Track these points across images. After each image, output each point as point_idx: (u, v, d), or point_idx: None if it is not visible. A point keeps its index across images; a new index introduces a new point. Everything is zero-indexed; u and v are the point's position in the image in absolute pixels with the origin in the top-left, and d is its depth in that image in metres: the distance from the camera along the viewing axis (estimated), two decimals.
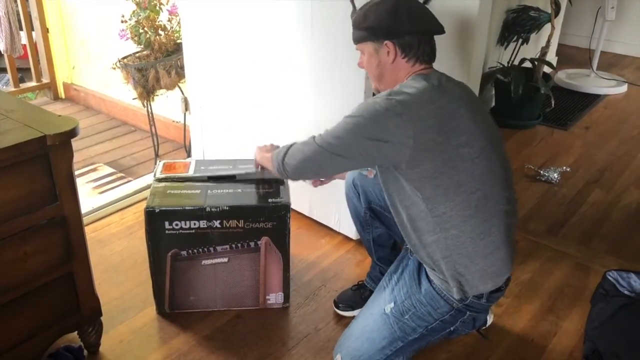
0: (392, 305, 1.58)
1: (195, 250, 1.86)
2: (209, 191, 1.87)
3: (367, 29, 1.48)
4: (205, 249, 1.86)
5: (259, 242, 1.87)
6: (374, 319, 1.61)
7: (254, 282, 1.94)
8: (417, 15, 1.48)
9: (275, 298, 1.98)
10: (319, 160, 1.49)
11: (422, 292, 1.55)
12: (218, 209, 1.79)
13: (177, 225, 1.81)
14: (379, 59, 1.49)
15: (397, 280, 1.63)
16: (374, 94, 1.61)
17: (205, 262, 1.88)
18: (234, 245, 1.87)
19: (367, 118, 1.41)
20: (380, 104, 1.40)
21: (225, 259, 1.89)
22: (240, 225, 1.83)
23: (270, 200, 1.84)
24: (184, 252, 1.86)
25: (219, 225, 1.82)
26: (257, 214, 1.81)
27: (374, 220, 1.86)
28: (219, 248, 1.87)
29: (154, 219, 1.79)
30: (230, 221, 1.82)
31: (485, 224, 1.47)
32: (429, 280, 1.55)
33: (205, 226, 1.82)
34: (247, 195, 1.86)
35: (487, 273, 1.50)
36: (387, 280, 1.67)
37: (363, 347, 1.59)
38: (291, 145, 1.57)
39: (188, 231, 1.82)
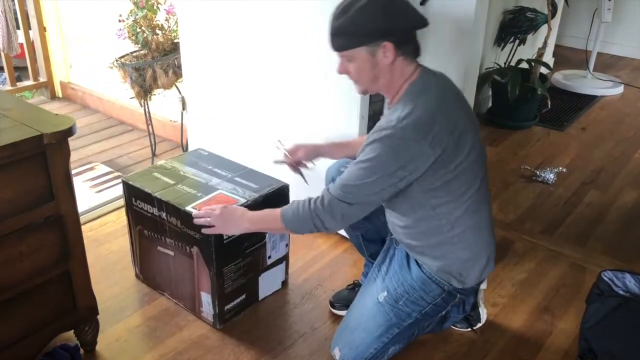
0: (385, 293, 1.61)
1: (152, 234, 1.91)
2: (178, 185, 1.88)
3: (359, 33, 1.41)
4: (158, 236, 1.90)
5: (192, 250, 1.82)
6: (368, 309, 1.63)
7: (191, 287, 1.90)
8: (406, 10, 1.43)
9: (207, 314, 1.90)
10: (354, 214, 1.49)
11: (414, 277, 1.59)
12: (160, 200, 1.81)
13: (139, 204, 1.88)
14: (375, 61, 1.43)
15: (386, 269, 1.66)
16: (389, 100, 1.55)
17: (159, 248, 1.92)
18: (177, 243, 1.85)
19: (388, 156, 1.39)
20: (394, 136, 1.38)
21: (172, 253, 1.90)
22: (178, 226, 1.80)
23: None
24: (146, 232, 1.93)
25: (164, 217, 1.83)
26: (187, 220, 1.75)
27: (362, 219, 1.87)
28: (167, 240, 1.87)
29: (125, 191, 1.93)
30: (171, 217, 1.81)
31: (483, 217, 1.56)
32: (419, 266, 1.58)
33: (157, 214, 1.85)
34: (194, 199, 1.81)
35: (487, 262, 1.59)
36: (377, 272, 1.69)
37: (360, 337, 1.61)
38: (309, 205, 1.49)
39: (146, 213, 1.88)
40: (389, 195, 1.46)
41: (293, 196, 1.85)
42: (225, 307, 1.88)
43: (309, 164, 1.87)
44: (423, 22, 1.45)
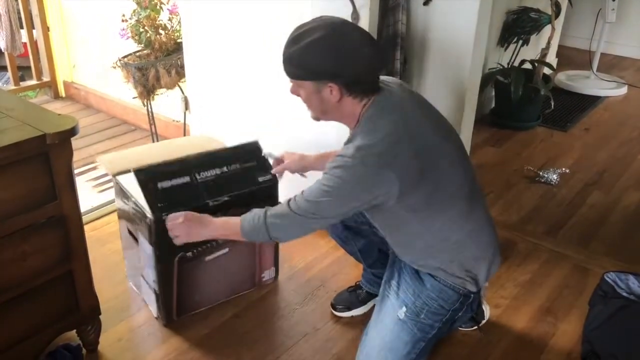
0: (404, 309, 1.57)
1: (199, 248, 1.85)
2: (199, 178, 1.80)
3: (306, 68, 1.36)
4: (208, 245, 1.86)
5: None
6: (390, 329, 1.58)
7: (252, 263, 2.01)
8: (358, 53, 1.35)
9: (268, 274, 2.09)
10: (307, 227, 1.48)
11: (429, 287, 1.56)
12: (218, 202, 1.78)
13: None
14: (322, 97, 1.40)
15: (397, 285, 1.62)
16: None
17: (208, 258, 1.89)
18: None
19: (349, 182, 1.37)
20: (356, 163, 1.35)
21: (226, 250, 1.90)
22: (240, 212, 1.75)
23: (260, 179, 1.86)
24: (189, 254, 1.83)
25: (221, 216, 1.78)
26: (253, 198, 1.82)
27: (354, 236, 1.85)
28: (220, 240, 1.86)
29: (161, 227, 1.70)
30: (232, 209, 1.78)
31: (477, 221, 1.55)
32: (432, 275, 1.56)
33: None
34: (236, 177, 1.83)
35: (492, 259, 1.59)
36: (388, 289, 1.64)
37: (388, 359, 1.57)
38: (264, 217, 1.49)
39: None
40: (353, 213, 1.46)
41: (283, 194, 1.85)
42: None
43: (305, 174, 1.86)
44: (376, 67, 1.41)
